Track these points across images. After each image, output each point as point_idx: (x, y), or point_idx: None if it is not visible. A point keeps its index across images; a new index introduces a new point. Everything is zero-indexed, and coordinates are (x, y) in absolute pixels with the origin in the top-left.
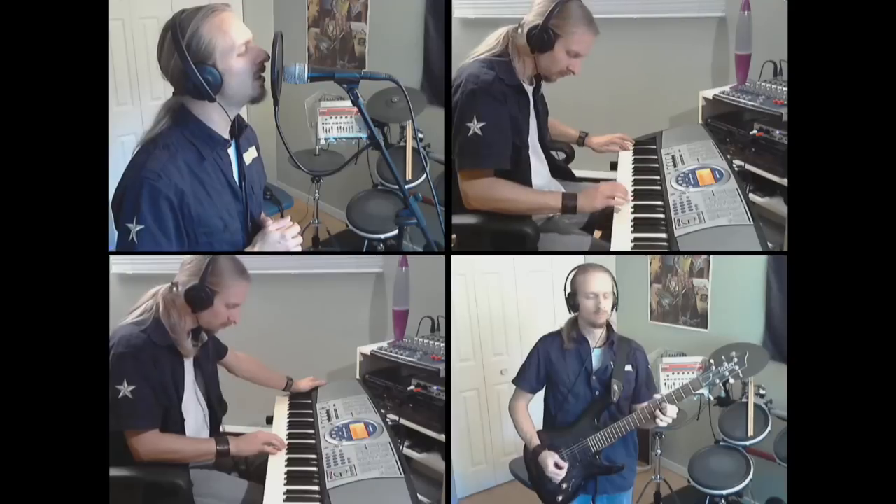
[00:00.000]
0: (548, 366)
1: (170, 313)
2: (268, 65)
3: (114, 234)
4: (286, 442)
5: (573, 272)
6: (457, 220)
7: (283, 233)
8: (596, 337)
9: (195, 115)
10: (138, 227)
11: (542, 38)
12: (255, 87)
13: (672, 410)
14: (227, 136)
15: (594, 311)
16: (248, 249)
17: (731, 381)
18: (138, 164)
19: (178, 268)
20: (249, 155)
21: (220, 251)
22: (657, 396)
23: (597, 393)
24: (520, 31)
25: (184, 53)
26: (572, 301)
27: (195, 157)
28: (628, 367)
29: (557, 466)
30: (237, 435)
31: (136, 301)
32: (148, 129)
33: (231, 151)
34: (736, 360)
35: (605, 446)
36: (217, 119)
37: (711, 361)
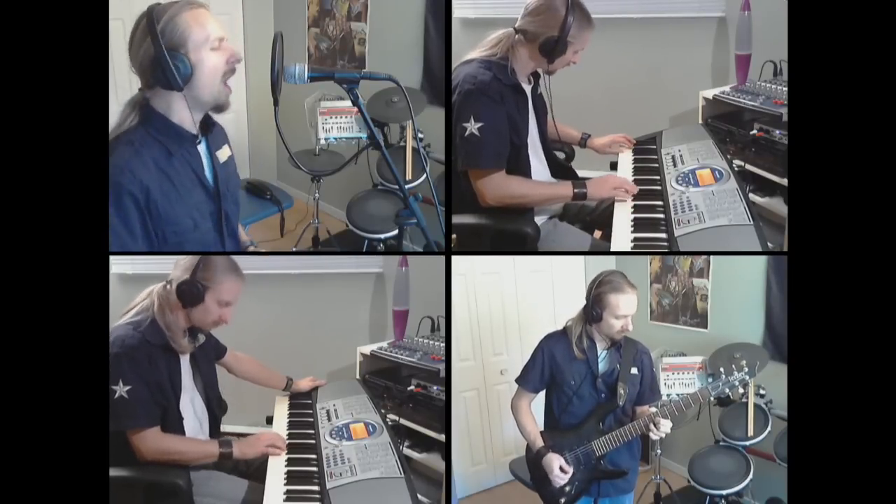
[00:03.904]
0: (552, 366)
1: (164, 311)
2: (255, 63)
3: None
4: (287, 442)
5: (602, 286)
6: (457, 220)
7: None
8: (604, 340)
9: (160, 111)
10: None
11: (559, 48)
12: (221, 91)
13: (666, 425)
14: (194, 131)
15: (619, 330)
16: None
17: (741, 390)
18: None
19: None
20: (223, 153)
21: (195, 250)
22: (654, 408)
23: (602, 396)
24: (518, 36)
25: (157, 37)
26: (595, 313)
27: (163, 154)
28: (634, 370)
29: (563, 471)
30: (239, 436)
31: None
32: (114, 126)
33: (202, 149)
34: (746, 369)
35: (609, 451)
36: (183, 116)
37: (722, 370)
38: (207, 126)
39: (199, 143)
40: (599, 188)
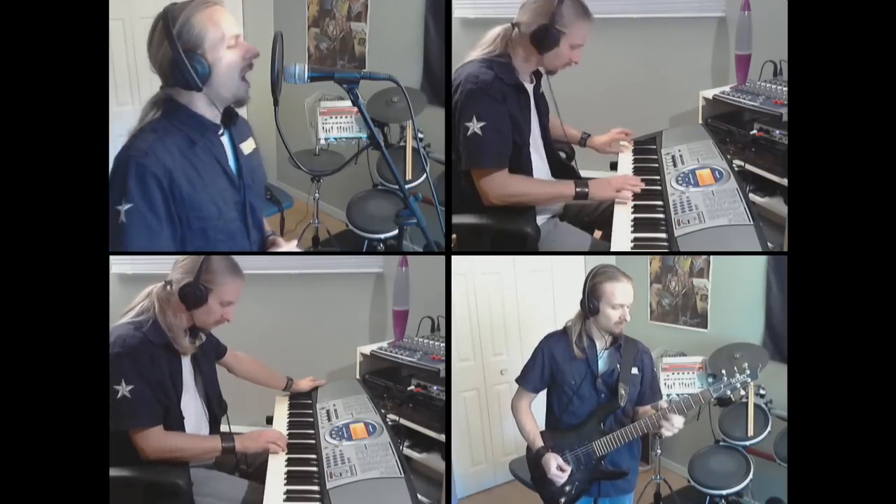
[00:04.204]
0: (553, 366)
1: (165, 312)
2: (256, 62)
3: None
4: (287, 442)
5: (597, 276)
6: (457, 220)
7: None
8: (604, 339)
9: (182, 103)
10: (127, 206)
11: (549, 38)
12: (241, 86)
13: (678, 421)
14: (216, 121)
15: (617, 321)
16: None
17: (742, 392)
18: (125, 147)
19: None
20: (248, 146)
21: (211, 239)
22: (663, 404)
23: (602, 395)
24: (516, 31)
25: (173, 41)
26: (592, 305)
27: (185, 142)
28: (634, 370)
29: (560, 469)
30: (241, 434)
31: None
32: (137, 122)
33: (225, 140)
34: (749, 371)
35: (609, 451)
36: (205, 108)
37: (723, 372)
38: (230, 118)
39: (222, 133)
40: (602, 189)
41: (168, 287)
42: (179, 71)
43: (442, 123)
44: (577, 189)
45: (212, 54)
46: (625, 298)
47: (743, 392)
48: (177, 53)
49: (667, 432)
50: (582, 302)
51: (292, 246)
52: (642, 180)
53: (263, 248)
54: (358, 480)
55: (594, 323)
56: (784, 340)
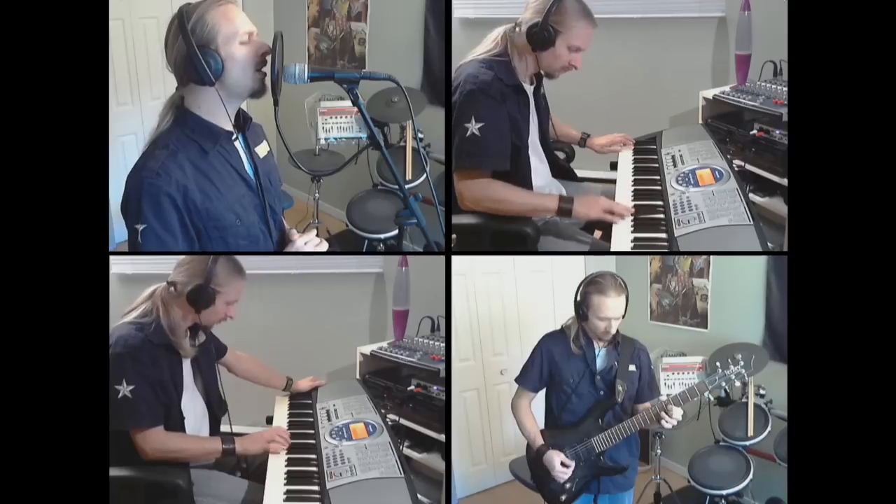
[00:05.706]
0: (551, 365)
1: (169, 313)
2: (269, 58)
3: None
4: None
5: (589, 285)
6: (457, 220)
7: (315, 248)
8: (601, 338)
9: (193, 111)
10: (142, 227)
11: (542, 35)
12: (255, 78)
13: (678, 412)
14: (229, 128)
15: (603, 331)
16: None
17: (738, 384)
18: (138, 167)
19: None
20: (262, 149)
21: (231, 246)
22: (662, 398)
23: (601, 393)
24: (518, 30)
25: (188, 36)
26: (581, 312)
27: (197, 153)
28: (632, 368)
29: (564, 465)
30: (241, 435)
31: (134, 301)
32: (153, 127)
33: (238, 144)
34: (742, 363)
35: (609, 447)
36: (217, 113)
37: (718, 364)
38: (243, 122)
39: (236, 139)
40: (588, 207)
41: (172, 289)
42: (193, 66)
43: (442, 123)
44: (561, 204)
45: (225, 50)
46: (612, 313)
47: (738, 384)
48: (191, 48)
49: (667, 425)
50: (574, 305)
51: (311, 236)
52: (642, 180)
53: (283, 247)
54: (358, 480)
55: (585, 326)
56: (784, 340)
